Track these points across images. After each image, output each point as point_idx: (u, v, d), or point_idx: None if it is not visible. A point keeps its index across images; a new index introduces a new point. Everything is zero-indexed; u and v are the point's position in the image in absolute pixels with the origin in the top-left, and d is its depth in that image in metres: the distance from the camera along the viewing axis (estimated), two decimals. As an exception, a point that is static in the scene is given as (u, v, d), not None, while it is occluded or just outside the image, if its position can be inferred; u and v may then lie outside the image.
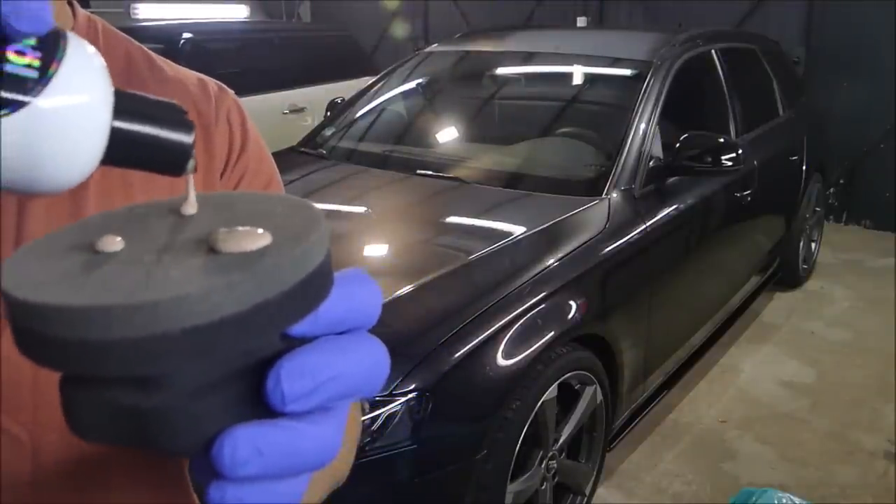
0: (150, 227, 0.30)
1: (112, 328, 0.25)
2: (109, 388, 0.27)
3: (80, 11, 0.63)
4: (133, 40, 0.66)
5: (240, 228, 0.29)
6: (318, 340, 0.29)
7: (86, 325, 0.25)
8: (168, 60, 0.70)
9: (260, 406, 0.28)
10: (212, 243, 0.28)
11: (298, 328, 0.28)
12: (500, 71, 3.42)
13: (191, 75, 0.70)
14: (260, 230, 0.28)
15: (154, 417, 0.27)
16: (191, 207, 0.32)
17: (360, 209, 2.58)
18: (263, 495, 0.28)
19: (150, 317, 0.24)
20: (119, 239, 0.29)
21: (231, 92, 0.72)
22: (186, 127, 0.35)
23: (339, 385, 0.28)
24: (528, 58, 3.42)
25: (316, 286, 0.28)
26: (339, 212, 2.59)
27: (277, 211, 0.31)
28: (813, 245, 4.50)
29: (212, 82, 0.71)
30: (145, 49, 0.67)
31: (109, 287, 0.26)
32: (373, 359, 0.30)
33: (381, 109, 3.43)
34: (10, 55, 0.30)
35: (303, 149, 3.18)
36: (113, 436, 0.28)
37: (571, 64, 3.23)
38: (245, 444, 0.27)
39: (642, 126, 2.66)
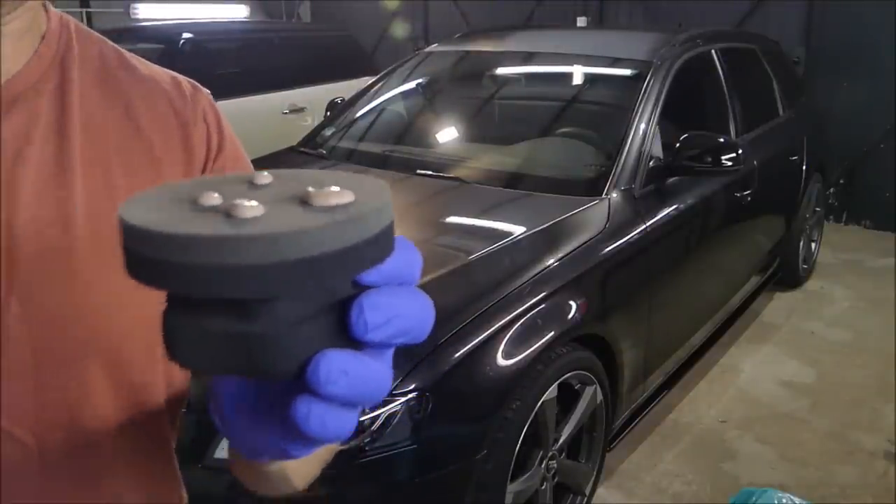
0: (240, 191, 0.35)
1: (240, 255, 0.29)
2: (219, 316, 0.32)
3: (53, 12, 0.62)
4: (106, 40, 0.66)
5: (327, 188, 0.33)
6: (382, 287, 0.34)
7: (217, 252, 0.29)
8: (141, 59, 0.70)
9: (340, 338, 0.33)
10: (305, 198, 0.33)
11: (367, 276, 0.34)
12: (500, 71, 3.42)
13: (164, 73, 0.70)
14: (344, 190, 0.33)
15: (259, 343, 0.32)
16: (266, 178, 0.36)
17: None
18: (336, 418, 0.33)
19: (271, 247, 0.29)
20: (217, 195, 0.33)
21: (205, 91, 0.72)
22: None
23: (402, 322, 0.34)
24: (528, 58, 3.42)
25: (387, 239, 0.33)
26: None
27: (341, 179, 0.36)
28: (813, 245, 4.50)
29: (185, 81, 0.71)
30: (118, 48, 0.67)
31: (227, 224, 0.31)
32: (423, 305, 0.36)
33: (381, 109, 3.43)
34: None
35: (303, 149, 3.18)
36: (214, 363, 0.33)
37: (571, 64, 3.23)
38: (336, 364, 0.33)
39: (642, 126, 2.66)
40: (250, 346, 0.32)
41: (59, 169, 0.58)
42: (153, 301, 0.35)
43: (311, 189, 0.33)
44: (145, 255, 0.31)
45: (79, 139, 0.60)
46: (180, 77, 0.71)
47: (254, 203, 0.32)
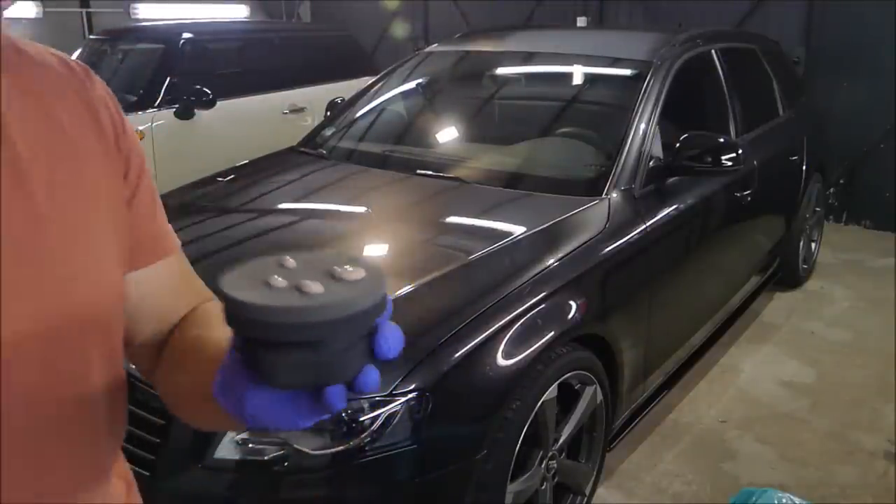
0: (290, 272, 0.54)
1: (314, 316, 0.49)
2: (299, 352, 0.51)
3: None
4: None
5: (348, 267, 0.54)
6: (385, 324, 0.54)
7: (302, 314, 0.49)
8: (27, 41, 0.70)
9: (369, 357, 0.54)
10: (334, 274, 0.53)
11: (378, 319, 0.53)
12: (500, 71, 3.42)
13: (51, 56, 0.70)
14: (359, 268, 0.54)
15: (324, 366, 0.52)
16: (292, 262, 0.56)
17: (361, 209, 2.58)
18: None
19: (331, 310, 0.49)
20: (279, 277, 0.53)
21: (93, 72, 0.74)
22: None
23: (402, 345, 0.55)
24: (528, 58, 3.42)
25: (386, 296, 0.54)
26: (339, 212, 2.59)
27: (351, 259, 0.56)
28: (813, 245, 4.50)
29: (73, 61, 0.72)
30: (9, 35, 0.67)
31: (295, 296, 0.51)
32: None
33: (381, 109, 3.43)
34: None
35: (303, 149, 3.18)
36: (297, 381, 0.52)
37: (571, 64, 3.23)
38: (374, 374, 0.54)
39: (642, 126, 2.66)
40: (318, 369, 0.52)
41: (11, 171, 0.62)
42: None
43: (336, 268, 0.54)
44: (250, 318, 0.50)
45: (14, 137, 0.63)
46: (67, 57, 0.72)
47: (318, 284, 0.52)
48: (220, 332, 0.67)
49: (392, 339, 0.54)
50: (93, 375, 0.67)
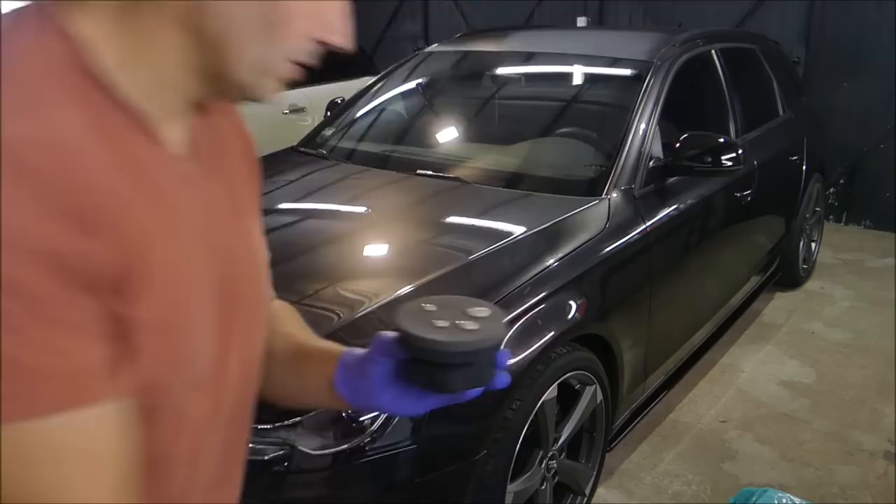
0: (443, 314, 0.76)
1: (475, 345, 0.72)
2: (463, 368, 0.73)
3: None
4: None
5: (477, 308, 0.77)
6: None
7: (467, 345, 0.72)
8: None
9: (494, 367, 0.77)
10: (472, 314, 0.76)
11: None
12: (500, 71, 3.42)
13: None
14: (484, 308, 0.77)
15: (476, 376, 0.75)
16: (432, 306, 0.78)
17: (361, 209, 2.58)
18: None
19: (485, 341, 0.73)
20: (443, 321, 0.75)
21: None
22: None
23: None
24: (528, 58, 3.42)
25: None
26: (339, 212, 2.59)
27: (475, 302, 0.78)
28: (813, 245, 4.50)
29: None
30: None
31: (458, 332, 0.73)
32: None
33: (381, 109, 3.43)
34: None
35: (303, 149, 3.18)
36: (461, 387, 0.74)
37: (571, 64, 3.23)
38: (506, 377, 0.79)
39: (642, 126, 2.66)
40: (473, 379, 0.75)
41: (233, 210, 0.73)
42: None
43: (468, 309, 0.77)
44: (437, 350, 0.72)
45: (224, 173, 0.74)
46: None
47: (471, 322, 0.74)
48: (307, 335, 0.90)
49: (505, 354, 0.80)
50: (255, 379, 0.79)
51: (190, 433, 0.66)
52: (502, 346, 0.77)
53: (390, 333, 0.78)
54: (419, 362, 0.74)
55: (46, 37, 0.56)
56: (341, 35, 0.71)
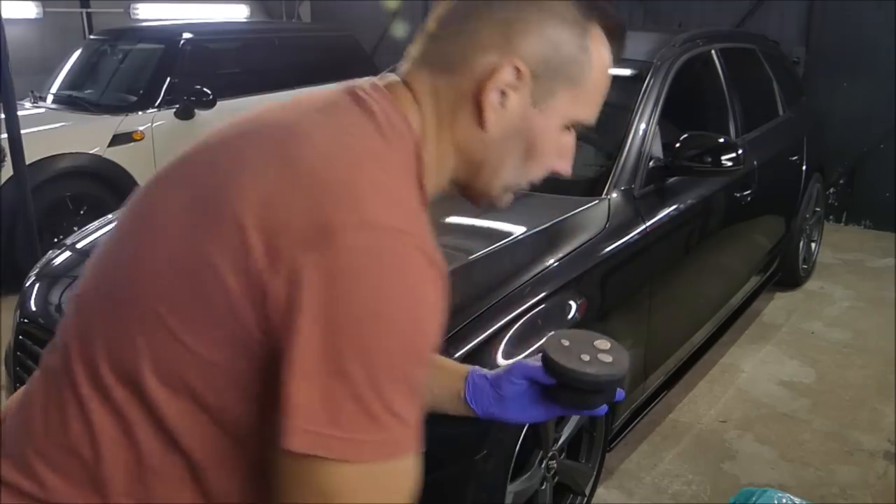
0: (578, 348, 0.96)
1: (609, 376, 0.94)
2: (595, 393, 0.97)
3: None
4: None
5: (603, 342, 0.98)
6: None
7: (602, 376, 0.93)
8: None
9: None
10: (601, 348, 0.96)
11: None
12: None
13: None
14: (606, 341, 0.98)
15: (610, 397, 0.99)
16: (566, 341, 0.99)
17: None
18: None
19: (617, 373, 0.94)
20: (585, 355, 0.95)
21: None
22: None
23: None
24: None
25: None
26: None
27: (596, 337, 0.99)
28: (813, 245, 4.50)
29: None
30: None
31: (601, 365, 0.94)
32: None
33: (381, 109, 3.42)
34: None
35: (303, 149, 3.17)
36: (599, 405, 1.00)
37: (571, 64, 3.22)
38: (622, 394, 1.03)
39: (642, 126, 2.66)
40: (608, 397, 0.98)
41: None
42: None
43: (596, 343, 0.96)
44: (588, 381, 0.93)
45: None
46: None
47: (607, 356, 0.93)
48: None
49: (619, 394, 1.02)
50: None
51: None
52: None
53: (533, 362, 0.99)
54: (566, 387, 0.95)
55: (408, 146, 0.76)
56: (569, 166, 0.97)
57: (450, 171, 0.82)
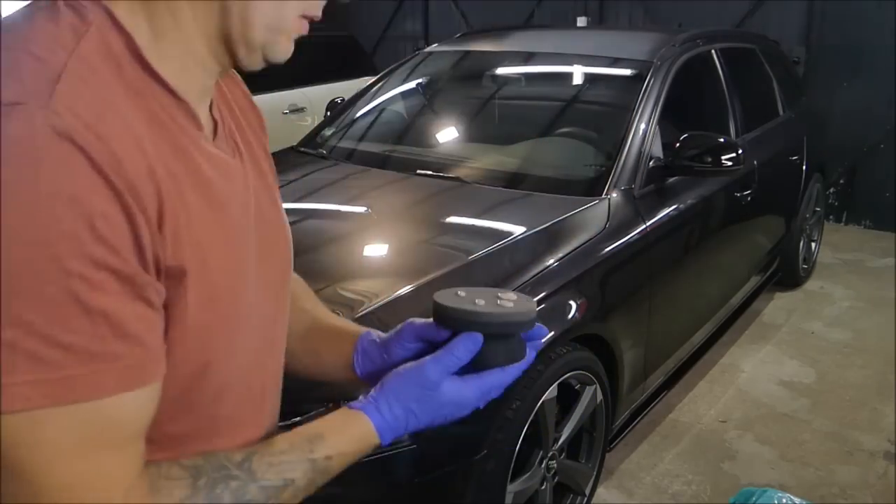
0: (480, 295, 0.82)
1: (509, 318, 0.80)
2: (503, 342, 0.81)
3: None
4: None
5: (509, 294, 0.83)
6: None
7: (501, 317, 0.79)
8: None
9: (526, 346, 0.84)
10: (504, 298, 0.81)
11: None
12: (500, 71, 3.42)
13: None
14: (511, 294, 0.82)
15: (515, 350, 0.82)
16: (462, 292, 0.83)
17: (361, 209, 2.58)
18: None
19: (526, 314, 0.81)
20: (480, 300, 0.80)
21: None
22: None
23: None
24: (528, 58, 3.42)
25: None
26: (339, 212, 2.59)
27: (509, 293, 0.83)
28: (813, 245, 4.50)
29: None
30: None
31: (499, 308, 0.80)
32: None
33: (381, 109, 3.43)
34: None
35: (303, 149, 3.18)
36: (500, 362, 0.80)
37: (571, 64, 3.23)
38: (534, 351, 0.86)
39: (642, 126, 2.66)
40: (511, 353, 0.82)
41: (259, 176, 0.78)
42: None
43: (500, 295, 0.82)
44: (482, 321, 0.78)
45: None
46: None
47: (509, 302, 0.80)
48: (321, 310, 0.96)
49: (542, 329, 0.85)
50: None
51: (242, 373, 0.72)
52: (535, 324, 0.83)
53: (420, 320, 0.85)
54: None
55: (95, 26, 0.59)
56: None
57: (201, 31, 0.64)
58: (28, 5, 0.61)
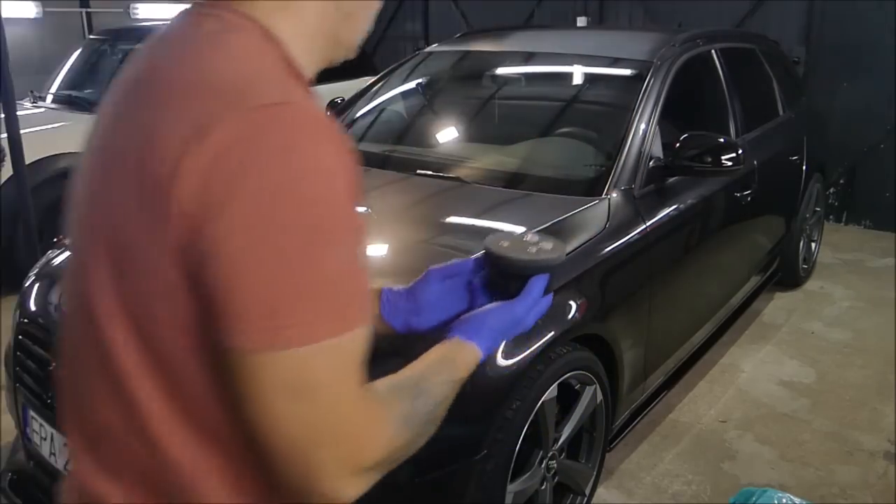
0: (523, 240, 1.03)
1: (545, 263, 0.99)
2: (522, 280, 0.98)
3: None
4: None
5: (546, 241, 1.02)
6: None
7: (538, 263, 0.99)
8: None
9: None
10: (541, 241, 1.02)
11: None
12: (500, 71, 3.42)
13: None
14: (550, 240, 1.02)
15: (523, 279, 0.99)
16: (506, 242, 1.03)
17: (360, 209, 2.57)
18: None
19: (552, 261, 0.99)
20: (529, 248, 1.01)
21: None
22: None
23: None
24: (528, 58, 3.42)
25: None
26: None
27: (544, 236, 1.04)
28: (813, 245, 4.50)
29: None
30: None
31: (536, 253, 1.00)
32: None
33: (381, 109, 3.43)
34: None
35: (303, 149, 3.17)
36: (517, 291, 0.98)
37: (571, 64, 3.22)
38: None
39: (642, 126, 2.66)
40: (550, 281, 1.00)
41: None
42: None
43: (527, 238, 1.02)
44: (531, 267, 0.99)
45: None
46: None
47: (537, 244, 1.00)
48: None
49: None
50: None
51: None
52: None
53: (445, 264, 1.05)
54: (500, 277, 1.00)
55: (260, 38, 0.74)
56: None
57: (324, 34, 0.80)
58: (190, 21, 0.76)
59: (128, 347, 0.70)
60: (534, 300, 0.97)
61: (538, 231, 1.09)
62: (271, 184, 0.64)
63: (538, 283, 0.98)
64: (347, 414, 0.70)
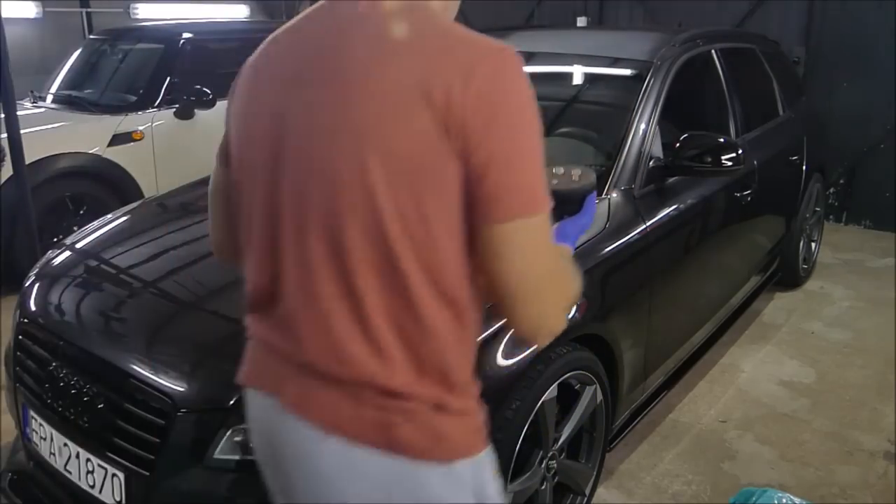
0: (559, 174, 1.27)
1: (578, 190, 1.25)
2: (570, 205, 1.26)
3: None
4: None
5: (575, 170, 1.27)
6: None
7: (574, 190, 1.25)
8: None
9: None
10: (572, 171, 1.27)
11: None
12: (500, 71, 3.41)
13: None
14: (578, 168, 1.27)
15: (577, 201, 1.26)
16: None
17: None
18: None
19: (585, 188, 1.27)
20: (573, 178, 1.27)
21: None
22: None
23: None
24: (528, 58, 3.41)
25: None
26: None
27: (574, 167, 1.28)
28: (813, 245, 4.50)
29: None
30: None
31: (579, 180, 1.26)
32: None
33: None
34: None
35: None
36: (569, 211, 1.25)
37: (571, 64, 3.22)
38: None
39: (642, 126, 2.66)
40: (573, 206, 1.25)
41: None
42: None
43: (573, 170, 1.26)
44: (569, 194, 1.24)
45: None
46: None
47: (578, 172, 1.26)
48: None
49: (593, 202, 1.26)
50: None
51: None
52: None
53: None
54: (559, 203, 1.09)
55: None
56: None
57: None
58: (345, 6, 1.01)
59: (400, 242, 0.91)
60: (593, 210, 1.25)
61: (559, 166, 1.26)
62: (520, 100, 0.91)
63: (592, 199, 1.25)
64: (564, 266, 1.01)
